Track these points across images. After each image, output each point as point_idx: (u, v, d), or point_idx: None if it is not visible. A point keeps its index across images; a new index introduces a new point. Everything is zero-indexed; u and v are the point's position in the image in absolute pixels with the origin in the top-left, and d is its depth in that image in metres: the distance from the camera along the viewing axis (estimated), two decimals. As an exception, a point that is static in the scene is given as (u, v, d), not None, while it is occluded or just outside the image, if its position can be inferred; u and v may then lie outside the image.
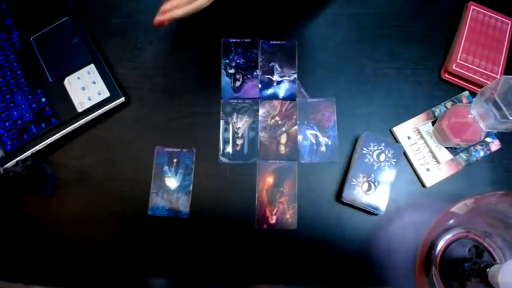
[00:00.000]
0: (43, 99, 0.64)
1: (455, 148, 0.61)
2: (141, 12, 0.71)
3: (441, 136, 0.61)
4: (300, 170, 0.62)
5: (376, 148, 0.59)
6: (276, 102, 0.66)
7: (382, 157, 0.58)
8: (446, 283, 0.51)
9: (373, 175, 0.58)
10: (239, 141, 0.64)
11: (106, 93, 0.64)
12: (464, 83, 0.65)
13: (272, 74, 0.67)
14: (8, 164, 0.61)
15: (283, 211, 0.61)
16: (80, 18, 0.68)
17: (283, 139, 0.64)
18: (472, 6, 0.67)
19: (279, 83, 0.66)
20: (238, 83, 0.67)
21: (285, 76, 0.67)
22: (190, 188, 0.62)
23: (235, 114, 0.65)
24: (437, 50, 0.67)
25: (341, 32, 0.69)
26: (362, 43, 0.68)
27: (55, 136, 0.62)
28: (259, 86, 0.66)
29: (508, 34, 0.66)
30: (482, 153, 0.62)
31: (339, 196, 0.60)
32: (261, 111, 0.65)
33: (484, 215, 0.54)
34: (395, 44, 0.68)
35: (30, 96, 0.64)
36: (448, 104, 0.64)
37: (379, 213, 0.57)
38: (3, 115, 0.64)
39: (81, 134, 0.65)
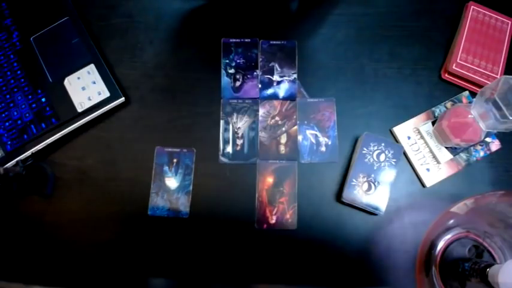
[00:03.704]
0: (43, 99, 0.64)
1: (455, 148, 0.61)
2: (141, 12, 0.71)
3: (441, 136, 0.61)
4: (300, 170, 0.62)
5: (376, 148, 0.59)
6: (276, 102, 0.66)
7: (382, 157, 0.58)
8: (446, 283, 0.51)
9: (373, 175, 0.58)
10: (239, 141, 0.64)
11: (106, 93, 0.64)
12: (464, 83, 0.65)
13: (272, 74, 0.67)
14: (8, 164, 0.61)
15: (283, 211, 0.61)
16: (80, 18, 0.68)
17: (283, 139, 0.64)
18: (472, 6, 0.67)
19: (279, 83, 0.66)
20: (238, 83, 0.67)
21: (285, 76, 0.67)
22: (190, 188, 0.62)
23: (235, 114, 0.65)
24: (437, 50, 0.67)
25: (341, 32, 0.69)
26: (362, 43, 0.68)
27: (55, 136, 0.62)
28: (259, 86, 0.66)
29: (508, 34, 0.66)
30: (482, 153, 0.62)
31: (339, 196, 0.60)
32: (261, 111, 0.65)
33: (484, 215, 0.54)
34: (395, 44, 0.68)
35: (30, 96, 0.64)
36: (448, 104, 0.64)
37: (379, 213, 0.57)
38: (3, 115, 0.64)
39: (81, 134, 0.65)
